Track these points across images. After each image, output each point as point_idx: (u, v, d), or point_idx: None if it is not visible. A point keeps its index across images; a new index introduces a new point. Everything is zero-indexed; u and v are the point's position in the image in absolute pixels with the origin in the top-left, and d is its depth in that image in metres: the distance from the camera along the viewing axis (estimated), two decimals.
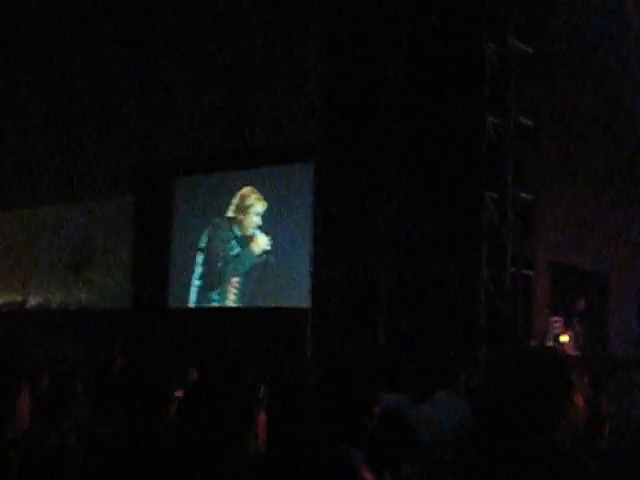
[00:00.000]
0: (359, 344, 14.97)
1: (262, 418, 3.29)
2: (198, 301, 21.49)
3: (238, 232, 20.00)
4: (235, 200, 20.40)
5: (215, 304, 21.15)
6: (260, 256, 19.56)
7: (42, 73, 24.45)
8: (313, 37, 17.73)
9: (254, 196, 19.93)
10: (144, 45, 22.27)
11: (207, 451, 3.14)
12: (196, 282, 21.31)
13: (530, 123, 15.47)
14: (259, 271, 19.63)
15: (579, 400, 3.01)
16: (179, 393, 4.12)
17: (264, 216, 19.32)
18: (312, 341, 16.15)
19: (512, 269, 14.82)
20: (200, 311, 21.39)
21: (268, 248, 19.26)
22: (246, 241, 20.08)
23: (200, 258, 21.52)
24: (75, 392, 6.07)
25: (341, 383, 3.71)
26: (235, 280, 20.39)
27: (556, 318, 16.50)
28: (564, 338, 16.15)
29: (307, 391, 3.85)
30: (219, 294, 21.02)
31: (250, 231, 19.94)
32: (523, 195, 15.20)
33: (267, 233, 19.23)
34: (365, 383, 3.56)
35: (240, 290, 20.58)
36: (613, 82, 18.36)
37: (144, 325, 20.99)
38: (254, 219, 19.28)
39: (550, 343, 15.64)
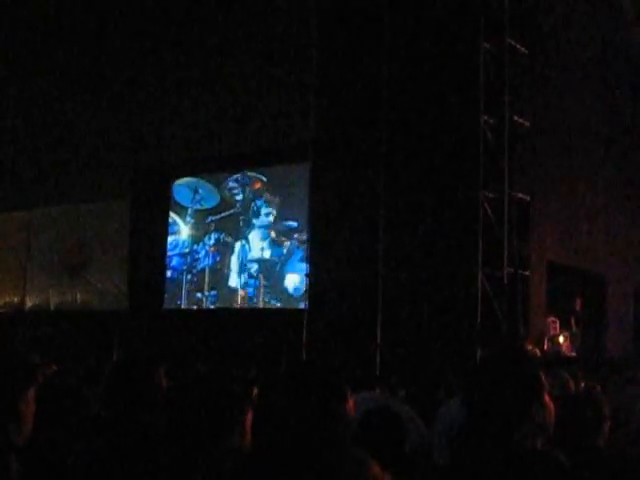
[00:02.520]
0: (355, 345, 14.97)
1: (249, 416, 3.30)
2: (193, 302, 21.43)
3: (235, 232, 19.80)
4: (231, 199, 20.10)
5: (211, 305, 21.13)
6: (257, 257, 19.31)
7: (40, 74, 24.46)
8: (309, 37, 17.73)
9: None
10: (142, 49, 22.29)
11: (193, 446, 3.16)
12: (190, 283, 21.16)
13: (526, 123, 15.47)
14: (256, 271, 19.35)
15: (548, 400, 3.06)
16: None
17: (261, 216, 18.93)
18: (308, 342, 16.13)
19: (509, 269, 14.80)
20: (196, 312, 21.38)
21: (265, 249, 18.99)
22: (226, 252, 19.66)
23: (169, 272, 21.42)
24: (78, 391, 6.05)
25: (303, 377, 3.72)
26: (212, 299, 19.87)
27: (553, 318, 16.51)
28: (561, 338, 16.16)
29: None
30: (215, 295, 20.94)
31: (246, 231, 19.88)
32: (519, 195, 15.20)
33: (264, 233, 18.83)
34: (330, 375, 3.55)
35: (238, 290, 20.59)
36: (609, 80, 18.40)
37: (140, 326, 20.99)
38: (251, 219, 18.99)
39: (546, 343, 15.66)
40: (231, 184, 18.46)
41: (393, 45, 15.59)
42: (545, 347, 15.68)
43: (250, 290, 17.51)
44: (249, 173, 17.51)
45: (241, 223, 17.50)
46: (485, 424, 3.01)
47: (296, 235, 16.36)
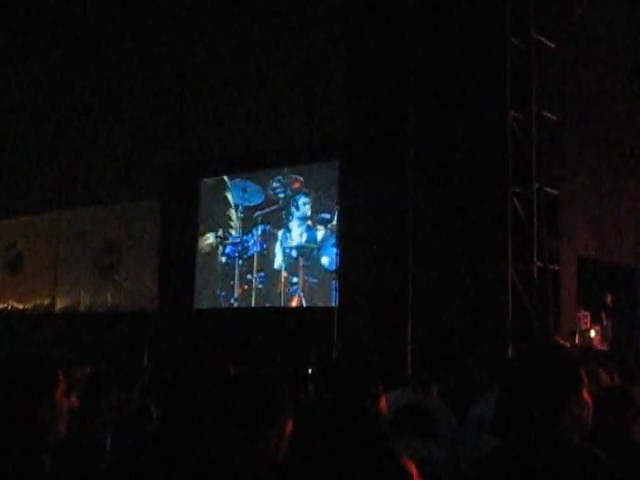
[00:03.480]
0: (386, 343, 14.97)
1: (289, 424, 3.28)
2: (245, 282, 21.53)
3: (263, 231, 20.45)
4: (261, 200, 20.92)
5: (239, 304, 21.30)
6: (296, 243, 19.96)
7: (70, 76, 24.60)
8: (336, 35, 17.75)
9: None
10: (173, 50, 22.39)
11: (231, 450, 3.14)
12: (241, 267, 21.46)
13: (554, 117, 15.41)
14: (296, 254, 19.98)
15: (586, 396, 3.05)
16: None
17: (291, 215, 19.81)
18: (338, 341, 16.14)
19: (539, 264, 14.75)
20: (226, 311, 21.46)
21: (303, 236, 19.74)
22: (271, 240, 20.42)
23: (224, 258, 21.70)
24: (109, 391, 6.08)
25: (336, 375, 3.72)
26: (260, 279, 20.67)
27: (584, 312, 16.44)
28: (592, 332, 16.09)
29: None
30: (263, 276, 21.04)
31: (275, 230, 20.32)
32: (548, 189, 15.14)
33: (302, 223, 19.72)
34: (363, 374, 3.55)
35: (265, 289, 20.76)
36: (636, 73, 18.28)
37: (171, 326, 21.09)
38: (291, 212, 19.93)
39: (577, 338, 15.59)
40: (274, 184, 20.19)
41: (420, 43, 15.57)
42: (576, 341, 15.61)
43: (291, 270, 19.28)
44: (290, 174, 19.20)
45: (283, 216, 19.26)
46: (522, 419, 3.00)
47: (329, 225, 18.14)
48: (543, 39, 15.39)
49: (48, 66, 24.90)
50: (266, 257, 20.11)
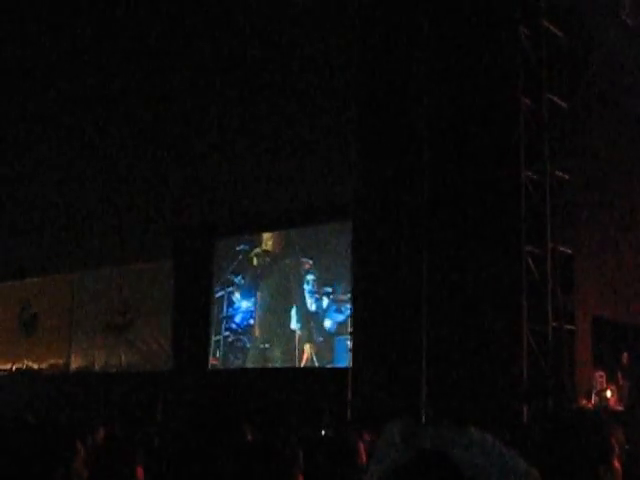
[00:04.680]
0: (400, 402, 14.89)
1: None
2: (225, 358, 22.25)
3: (293, 296, 21.49)
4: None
5: (249, 361, 21.48)
6: (307, 310, 20.99)
7: (88, 138, 24.82)
8: (348, 96, 17.89)
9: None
10: (184, 111, 22.59)
11: None
12: (222, 336, 22.32)
13: (567, 177, 15.45)
14: (307, 318, 20.95)
15: (617, 465, 3.00)
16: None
17: (309, 285, 21.12)
18: (353, 401, 16.07)
19: (554, 324, 14.70)
20: (240, 372, 21.45)
21: (312, 304, 20.98)
22: (298, 301, 21.32)
23: (228, 311, 21.96)
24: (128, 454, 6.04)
25: None
26: (293, 325, 21.38)
27: (600, 372, 16.33)
28: (608, 392, 15.96)
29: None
30: (257, 355, 21.79)
31: (300, 294, 21.24)
32: (562, 249, 15.13)
33: (311, 295, 21.01)
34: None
35: (281, 351, 20.92)
36: None
37: (185, 386, 21.04)
38: (302, 287, 21.33)
39: (594, 398, 15.47)
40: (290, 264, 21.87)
41: (434, 104, 15.68)
42: (592, 401, 15.50)
43: (304, 330, 20.96)
44: (302, 259, 21.14)
45: (298, 289, 21.15)
46: None
47: (331, 296, 20.41)
48: (555, 99, 15.48)
49: (65, 127, 25.13)
50: (281, 320, 21.59)
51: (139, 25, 22.86)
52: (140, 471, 5.60)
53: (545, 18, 15.48)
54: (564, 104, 15.65)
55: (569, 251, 15.36)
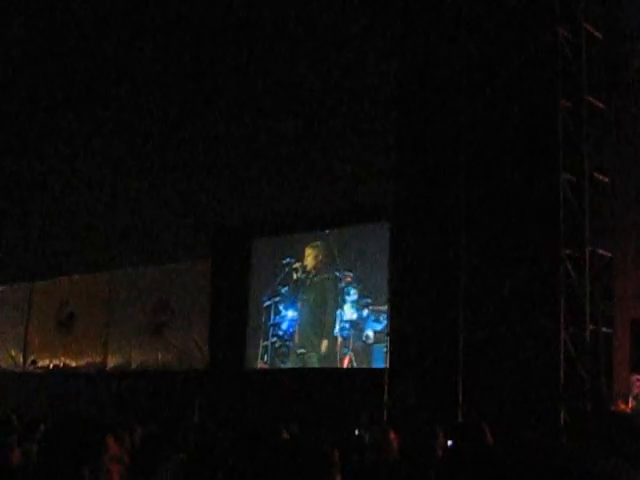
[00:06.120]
0: (435, 404, 14.87)
1: None
2: (272, 362, 22.29)
3: (337, 305, 21.86)
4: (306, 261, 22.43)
5: (290, 365, 21.54)
6: (348, 318, 21.50)
7: (121, 136, 24.97)
8: (387, 98, 17.89)
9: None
10: (225, 110, 22.67)
11: None
12: (269, 342, 22.45)
13: (605, 179, 15.34)
14: (348, 326, 21.39)
15: None
16: None
17: (350, 296, 21.65)
18: (389, 402, 16.06)
19: (591, 327, 14.61)
20: (276, 372, 21.52)
21: (353, 314, 21.57)
22: (340, 309, 21.71)
23: (275, 319, 22.05)
24: (164, 450, 6.07)
25: None
26: (312, 341, 21.70)
27: (637, 376, 16.21)
28: None
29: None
30: (293, 353, 22.05)
31: (342, 304, 21.65)
32: (601, 251, 15.03)
33: (352, 305, 21.54)
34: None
35: (317, 357, 21.39)
36: None
37: (222, 386, 21.12)
38: (344, 297, 21.84)
39: (630, 402, 15.37)
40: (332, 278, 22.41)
41: (471, 107, 15.64)
42: (630, 405, 15.39)
43: (345, 337, 21.59)
44: (345, 272, 21.75)
45: (340, 300, 21.79)
46: None
47: (370, 307, 21.14)
48: (594, 100, 15.38)
49: (104, 126, 25.30)
50: (319, 328, 22.33)
51: (170, 25, 22.99)
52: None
53: (584, 19, 15.40)
54: (603, 106, 15.55)
55: (608, 254, 15.26)
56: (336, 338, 21.75)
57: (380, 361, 19.23)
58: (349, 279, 21.91)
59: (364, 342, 21.15)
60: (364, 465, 6.52)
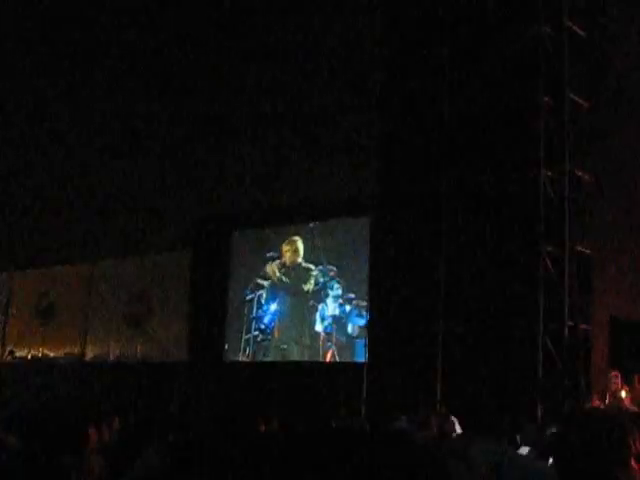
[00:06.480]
0: (412, 400, 14.89)
1: None
2: (254, 355, 22.23)
3: (319, 300, 21.66)
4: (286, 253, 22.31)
5: (269, 358, 21.53)
6: (331, 313, 21.34)
7: (104, 127, 24.90)
8: (368, 93, 17.90)
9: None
10: (203, 102, 22.62)
11: None
12: (251, 335, 22.34)
13: (586, 177, 15.39)
14: (330, 321, 21.24)
15: (633, 465, 2.96)
16: None
17: (334, 290, 21.48)
18: (367, 397, 16.10)
19: (570, 323, 14.67)
20: (256, 365, 21.51)
21: (336, 309, 21.38)
22: (322, 304, 21.56)
23: (257, 312, 22.04)
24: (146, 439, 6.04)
25: None
26: (317, 327, 21.68)
27: (615, 372, 16.27)
28: (622, 393, 15.91)
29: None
30: (274, 347, 21.96)
31: (325, 299, 21.53)
32: (581, 249, 15.09)
33: (335, 300, 21.37)
34: None
35: (320, 333, 21.46)
36: None
37: (201, 377, 21.08)
38: (327, 292, 21.67)
39: (608, 398, 15.43)
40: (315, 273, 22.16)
41: (453, 102, 15.67)
42: (607, 402, 15.45)
43: (327, 332, 21.47)
44: (328, 266, 21.63)
45: (322, 295, 21.63)
46: None
47: (354, 302, 20.90)
48: (577, 98, 15.43)
49: (87, 115, 25.22)
50: (310, 322, 22.18)
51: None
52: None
53: (567, 16, 15.43)
54: (585, 103, 15.60)
55: (587, 251, 15.32)
56: (318, 333, 21.76)
57: (363, 355, 18.98)
58: (332, 273, 21.85)
59: (347, 336, 21.11)
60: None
